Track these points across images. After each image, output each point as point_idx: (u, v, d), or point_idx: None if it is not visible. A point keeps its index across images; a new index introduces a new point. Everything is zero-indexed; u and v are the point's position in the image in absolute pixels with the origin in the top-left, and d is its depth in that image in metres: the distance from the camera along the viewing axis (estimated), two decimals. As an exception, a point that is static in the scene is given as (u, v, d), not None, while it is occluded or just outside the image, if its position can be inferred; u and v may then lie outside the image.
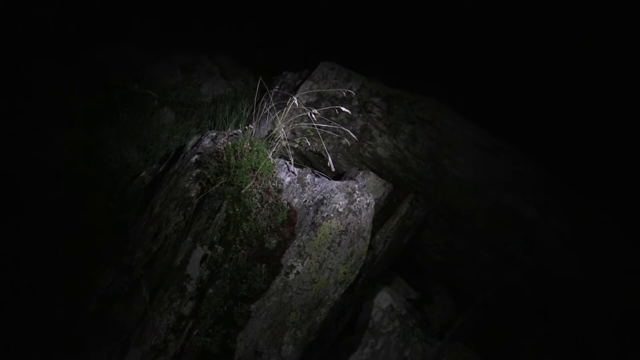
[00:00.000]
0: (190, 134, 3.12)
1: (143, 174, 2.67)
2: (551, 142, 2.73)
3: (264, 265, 2.08)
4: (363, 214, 2.12)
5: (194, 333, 1.91)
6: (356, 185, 2.17)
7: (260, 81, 3.80)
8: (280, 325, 2.05)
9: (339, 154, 2.64)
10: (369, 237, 2.13)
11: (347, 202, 2.12)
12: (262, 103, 3.15)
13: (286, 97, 3.02)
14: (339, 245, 2.08)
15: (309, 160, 2.72)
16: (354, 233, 2.10)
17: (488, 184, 2.43)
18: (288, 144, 2.77)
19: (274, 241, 2.11)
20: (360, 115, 2.66)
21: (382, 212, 2.43)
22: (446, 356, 2.46)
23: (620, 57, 3.17)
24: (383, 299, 2.56)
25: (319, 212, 2.14)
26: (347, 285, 2.13)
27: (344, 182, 2.21)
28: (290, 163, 2.37)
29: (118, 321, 1.99)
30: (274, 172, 2.35)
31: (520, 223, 2.41)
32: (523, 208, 2.40)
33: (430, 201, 2.53)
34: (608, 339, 2.45)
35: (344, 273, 2.09)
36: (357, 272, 2.12)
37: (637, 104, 2.94)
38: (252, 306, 2.01)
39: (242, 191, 2.17)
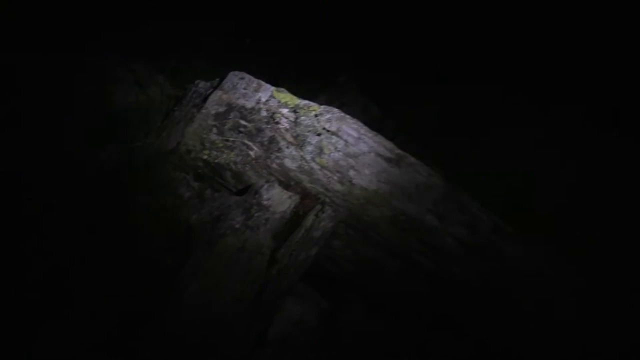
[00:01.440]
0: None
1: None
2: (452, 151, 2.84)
3: (158, 285, 2.02)
4: (261, 229, 2.10)
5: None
6: (254, 200, 2.14)
7: (175, 89, 3.70)
8: (179, 346, 2.00)
9: (247, 165, 2.61)
10: (268, 252, 2.12)
11: (244, 218, 2.10)
12: (174, 112, 3.07)
13: (198, 107, 2.95)
14: (236, 263, 2.05)
15: (217, 172, 2.68)
16: (252, 250, 2.08)
17: (392, 194, 2.47)
18: (196, 156, 2.71)
19: (170, 260, 2.06)
20: (269, 126, 2.64)
21: (288, 225, 2.43)
22: (356, 365, 2.49)
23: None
24: (293, 311, 2.56)
25: (216, 229, 2.10)
26: (247, 302, 2.11)
27: (243, 197, 2.18)
28: (191, 177, 2.32)
29: None
30: (174, 187, 2.29)
31: (424, 231, 2.46)
32: (425, 217, 2.45)
33: (338, 212, 2.54)
34: (506, 340, 2.56)
35: (242, 291, 2.07)
36: (257, 288, 2.10)
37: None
38: (146, 329, 1.95)
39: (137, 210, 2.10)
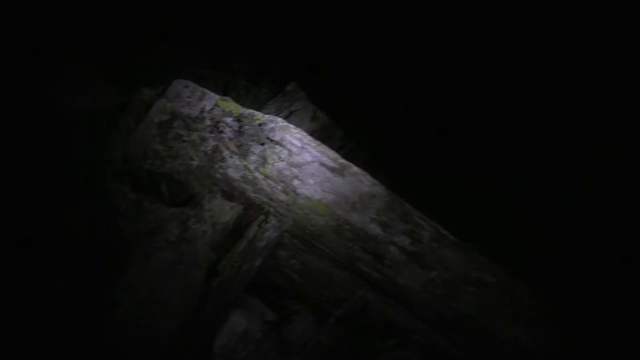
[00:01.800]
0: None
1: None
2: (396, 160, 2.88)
3: (91, 302, 1.95)
4: (199, 242, 2.06)
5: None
6: (192, 212, 2.10)
7: (121, 97, 3.60)
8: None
9: (190, 175, 2.56)
10: (205, 265, 2.07)
11: (180, 231, 2.05)
12: (118, 121, 2.99)
13: (141, 115, 2.88)
14: (172, 276, 2.00)
15: (159, 182, 2.61)
16: (189, 263, 2.03)
17: (336, 203, 2.47)
18: (138, 165, 2.64)
19: (103, 275, 1.99)
20: (213, 135, 2.60)
21: (230, 236, 2.39)
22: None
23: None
24: (237, 323, 2.52)
25: (152, 242, 2.04)
26: (186, 316, 2.06)
27: (180, 209, 2.13)
28: (129, 188, 2.26)
29: None
30: (111, 198, 2.22)
31: (368, 240, 2.46)
32: (369, 226, 2.46)
33: (283, 222, 2.52)
34: (450, 347, 2.59)
35: (180, 305, 2.01)
36: (196, 302, 2.05)
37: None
38: (76, 349, 1.87)
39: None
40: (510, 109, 3.46)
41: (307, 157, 2.50)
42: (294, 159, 2.50)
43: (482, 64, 3.58)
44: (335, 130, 3.20)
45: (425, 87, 3.57)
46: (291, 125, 2.49)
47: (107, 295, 1.94)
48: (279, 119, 2.53)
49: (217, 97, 2.72)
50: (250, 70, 3.49)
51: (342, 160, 2.49)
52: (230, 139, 2.57)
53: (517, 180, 3.32)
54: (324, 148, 2.51)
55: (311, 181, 2.49)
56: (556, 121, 3.47)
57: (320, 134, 3.20)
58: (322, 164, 2.51)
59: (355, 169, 2.49)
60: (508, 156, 3.30)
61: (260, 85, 3.36)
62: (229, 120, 2.62)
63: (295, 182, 2.49)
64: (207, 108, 2.68)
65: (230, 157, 2.54)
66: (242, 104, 2.77)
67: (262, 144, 2.53)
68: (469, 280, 2.49)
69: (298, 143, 2.52)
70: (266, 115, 2.57)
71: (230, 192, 2.54)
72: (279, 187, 2.49)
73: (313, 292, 2.72)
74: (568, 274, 2.86)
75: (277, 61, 3.52)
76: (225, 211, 2.37)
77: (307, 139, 2.48)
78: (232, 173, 2.53)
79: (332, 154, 2.50)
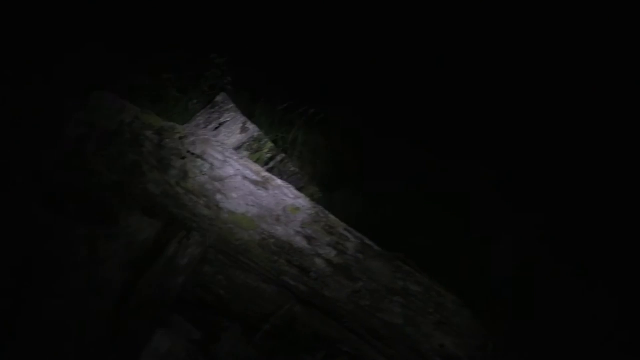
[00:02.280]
0: None
1: None
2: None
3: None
4: (110, 261, 1.97)
5: None
6: (105, 231, 2.01)
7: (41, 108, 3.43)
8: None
9: (108, 191, 2.46)
10: (119, 286, 1.99)
11: (89, 251, 1.96)
12: (34, 132, 2.85)
13: (60, 128, 2.75)
14: (81, 301, 1.90)
15: (75, 199, 2.50)
16: (99, 284, 1.94)
17: (260, 217, 2.44)
18: (54, 181, 2.52)
19: (3, 305, 1.87)
20: (132, 149, 2.51)
21: (149, 254, 2.31)
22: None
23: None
24: (161, 343, 2.43)
25: (59, 264, 1.94)
26: (101, 342, 1.96)
27: (92, 227, 2.04)
28: (39, 206, 2.14)
29: None
30: (17, 217, 2.09)
31: (293, 254, 2.44)
32: (294, 239, 2.44)
33: (207, 237, 2.46)
34: (378, 354, 2.60)
35: (94, 331, 1.92)
36: (111, 326, 1.96)
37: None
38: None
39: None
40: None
41: (230, 170, 2.46)
42: (216, 173, 2.45)
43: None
44: (265, 141, 3.18)
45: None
46: (213, 139, 2.45)
47: (6, 327, 1.82)
48: (200, 132, 2.48)
49: (138, 109, 2.64)
50: (179, 81, 3.42)
51: (265, 174, 2.47)
52: (150, 153, 2.49)
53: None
54: (246, 161, 2.48)
55: (234, 195, 2.45)
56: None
57: (250, 146, 3.17)
58: (245, 178, 2.47)
59: (278, 182, 2.47)
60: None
61: (190, 96, 3.29)
62: (149, 133, 2.55)
63: (218, 196, 2.44)
64: (127, 121, 2.59)
65: (150, 171, 2.46)
66: (172, 115, 2.71)
67: (183, 158, 2.47)
68: (395, 290, 2.51)
69: (220, 156, 2.48)
70: (187, 129, 2.51)
71: (151, 208, 2.46)
72: (202, 202, 2.43)
73: (241, 307, 2.66)
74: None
75: (207, 72, 3.46)
76: (143, 228, 2.29)
77: (229, 152, 2.44)
78: (152, 188, 2.45)
79: (255, 167, 2.48)
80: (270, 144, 3.18)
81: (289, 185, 2.45)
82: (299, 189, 2.87)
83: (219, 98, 3.25)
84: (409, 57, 3.65)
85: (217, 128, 3.25)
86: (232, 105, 3.21)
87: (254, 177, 2.45)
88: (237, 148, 3.14)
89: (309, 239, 2.45)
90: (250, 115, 3.18)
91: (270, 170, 3.07)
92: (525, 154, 3.61)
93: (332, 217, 2.48)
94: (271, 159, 3.15)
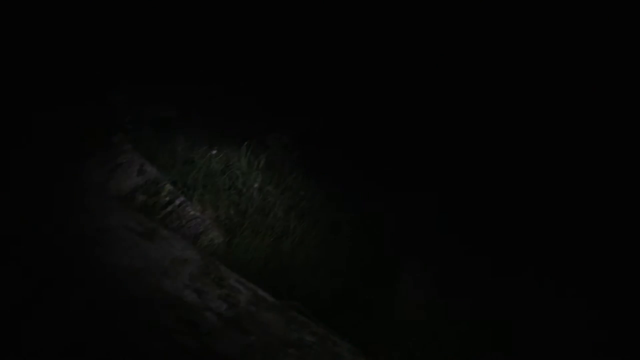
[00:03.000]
0: None
1: None
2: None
3: None
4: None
5: None
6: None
7: None
8: None
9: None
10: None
11: None
12: None
13: None
14: None
15: None
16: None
17: (146, 270, 2.30)
18: None
19: None
20: None
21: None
22: None
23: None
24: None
25: None
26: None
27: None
28: None
29: None
30: None
31: (182, 308, 2.31)
32: (183, 292, 2.32)
33: (86, 292, 2.28)
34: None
35: None
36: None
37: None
38: None
39: None
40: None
41: (112, 221, 2.32)
42: (96, 224, 2.30)
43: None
44: (164, 184, 3.05)
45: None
46: (91, 187, 2.30)
47: None
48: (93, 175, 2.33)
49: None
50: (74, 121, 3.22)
51: (150, 224, 2.35)
52: (24, 204, 2.30)
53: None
54: (131, 212, 2.35)
55: (117, 247, 2.30)
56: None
57: (147, 189, 3.03)
58: (130, 229, 2.34)
59: (165, 232, 2.35)
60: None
61: (84, 138, 3.11)
62: (23, 182, 2.36)
63: (98, 250, 2.29)
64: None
65: (23, 224, 2.27)
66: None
67: (61, 209, 2.30)
68: (289, 342, 2.44)
69: (101, 206, 2.33)
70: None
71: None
72: (79, 255, 2.26)
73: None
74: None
75: (104, 111, 3.29)
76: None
77: (109, 203, 2.30)
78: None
79: (140, 217, 2.35)
80: (169, 187, 3.05)
81: (176, 235, 2.34)
82: (199, 234, 2.77)
83: (115, 138, 3.09)
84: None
85: (113, 169, 3.09)
86: (129, 145, 3.07)
87: (140, 229, 2.32)
88: (134, 192, 2.99)
89: (198, 292, 2.34)
90: (150, 156, 3.04)
91: (168, 215, 2.95)
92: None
93: (223, 267, 2.39)
94: (169, 202, 3.02)
